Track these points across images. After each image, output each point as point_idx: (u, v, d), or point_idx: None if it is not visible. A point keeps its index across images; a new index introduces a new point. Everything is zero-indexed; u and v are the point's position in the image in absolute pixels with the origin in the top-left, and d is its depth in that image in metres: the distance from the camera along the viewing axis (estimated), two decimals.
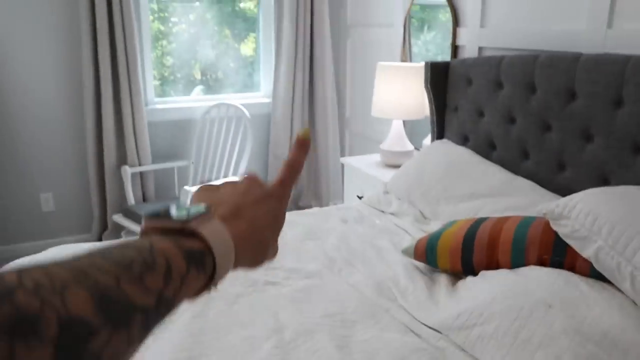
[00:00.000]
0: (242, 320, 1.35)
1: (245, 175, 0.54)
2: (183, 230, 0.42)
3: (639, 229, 1.24)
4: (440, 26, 2.62)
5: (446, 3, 2.49)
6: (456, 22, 2.47)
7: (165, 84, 3.34)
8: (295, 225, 2.00)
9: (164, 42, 3.30)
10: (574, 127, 1.79)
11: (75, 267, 0.32)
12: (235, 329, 1.31)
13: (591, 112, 1.72)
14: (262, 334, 1.29)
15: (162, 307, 0.36)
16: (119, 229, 3.07)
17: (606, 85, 1.66)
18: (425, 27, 2.78)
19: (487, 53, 2.32)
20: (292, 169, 0.54)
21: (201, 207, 0.44)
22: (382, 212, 2.12)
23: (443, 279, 1.53)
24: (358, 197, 2.64)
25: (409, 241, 1.81)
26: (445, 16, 2.54)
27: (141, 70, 3.07)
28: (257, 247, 0.49)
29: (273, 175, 3.46)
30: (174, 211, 0.43)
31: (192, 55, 3.37)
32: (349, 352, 1.23)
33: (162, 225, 0.42)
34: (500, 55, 2.09)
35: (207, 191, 0.52)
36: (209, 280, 0.43)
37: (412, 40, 2.83)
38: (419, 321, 1.36)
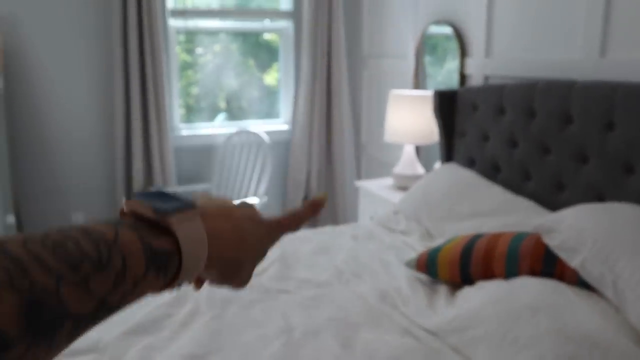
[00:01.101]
0: (256, 321, 1.48)
1: (244, 201, 0.54)
2: (159, 224, 0.40)
3: (619, 241, 1.35)
4: (452, 55, 2.77)
5: (454, 35, 2.65)
6: (463, 52, 2.62)
7: (190, 112, 3.55)
8: (309, 241, 2.13)
9: (190, 72, 3.52)
10: (570, 150, 1.90)
11: (18, 258, 0.30)
12: (249, 329, 1.44)
13: (586, 135, 1.83)
14: (273, 333, 1.42)
15: (101, 313, 0.34)
16: None
17: (599, 110, 1.78)
18: (437, 57, 2.93)
19: (492, 81, 2.45)
20: (295, 221, 0.54)
21: (189, 202, 0.43)
22: (392, 230, 2.24)
23: (443, 289, 1.64)
24: (370, 218, 2.77)
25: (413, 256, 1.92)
26: (454, 46, 2.69)
27: (168, 98, 3.29)
28: (234, 259, 0.47)
29: (291, 198, 3.61)
30: (158, 203, 0.41)
31: (216, 85, 3.58)
32: (352, 351, 1.34)
33: (142, 212, 0.41)
34: (502, 83, 2.22)
35: (204, 195, 0.51)
36: (172, 280, 0.41)
37: (427, 69, 2.98)
38: (417, 325, 1.47)
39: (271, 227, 0.52)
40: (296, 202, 3.60)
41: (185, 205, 0.42)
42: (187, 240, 0.41)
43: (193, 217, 0.42)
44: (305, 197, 3.65)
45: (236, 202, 0.53)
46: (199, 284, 0.51)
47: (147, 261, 0.37)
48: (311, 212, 0.55)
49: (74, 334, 0.32)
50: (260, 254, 0.51)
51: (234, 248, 0.47)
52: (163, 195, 0.43)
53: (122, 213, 0.42)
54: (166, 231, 0.41)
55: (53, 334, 0.30)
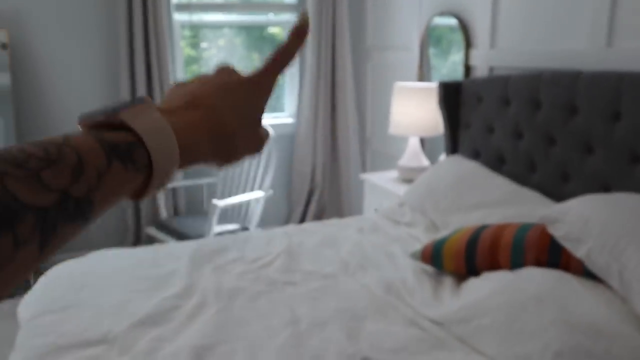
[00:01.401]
0: (262, 313, 1.50)
1: (218, 66, 0.49)
2: (111, 125, 0.39)
3: (625, 231, 1.35)
4: (457, 46, 2.76)
5: (458, 26, 2.64)
6: (468, 43, 2.61)
7: None
8: (315, 234, 2.14)
9: (195, 67, 3.52)
10: (576, 141, 1.90)
11: None
12: (256, 320, 1.45)
13: (591, 126, 1.83)
14: (280, 325, 1.43)
15: (69, 205, 0.33)
16: (152, 241, 3.26)
17: (605, 100, 1.77)
18: (442, 49, 2.93)
19: (497, 72, 2.45)
20: (283, 57, 0.49)
21: (139, 98, 0.41)
22: (397, 222, 2.25)
23: (448, 280, 1.65)
24: (375, 210, 2.77)
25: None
26: (459, 38, 2.68)
27: None
28: (222, 139, 0.45)
29: (296, 191, 3.62)
30: (109, 109, 0.39)
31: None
32: (357, 341, 1.35)
33: (91, 121, 0.39)
34: (507, 74, 2.21)
35: (176, 87, 0.48)
36: (149, 177, 0.40)
37: (432, 61, 2.97)
38: (423, 316, 1.48)
39: (255, 80, 0.48)
40: (302, 195, 3.61)
41: (135, 101, 0.40)
42: (146, 130, 0.38)
43: (146, 109, 0.40)
44: (311, 191, 3.66)
45: (211, 72, 0.49)
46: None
47: (107, 153, 0.36)
48: (296, 39, 0.49)
49: (48, 228, 0.32)
50: (253, 112, 0.48)
51: (212, 129, 0.44)
52: (112, 105, 0.40)
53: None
54: (123, 128, 0.39)
55: (12, 227, 0.30)
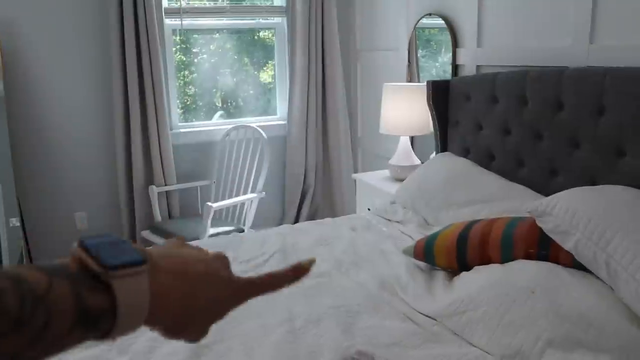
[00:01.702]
0: (258, 312, 1.52)
1: (219, 252, 0.51)
2: (100, 277, 0.39)
3: (611, 221, 1.38)
4: (445, 46, 2.80)
5: (446, 26, 2.68)
6: (455, 43, 2.65)
7: (187, 112, 3.57)
8: (308, 233, 2.17)
9: (186, 72, 3.54)
10: (562, 136, 1.93)
11: None
12: (251, 318, 1.48)
13: (577, 121, 1.87)
14: (275, 322, 1.45)
15: None
16: (147, 245, 3.26)
17: (589, 95, 1.81)
18: (430, 48, 2.96)
19: (484, 70, 2.48)
20: (273, 283, 0.51)
21: (138, 257, 0.41)
22: (389, 220, 2.27)
23: (441, 276, 1.67)
24: (369, 209, 2.80)
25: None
26: (447, 38, 2.72)
27: (166, 98, 3.31)
28: (180, 319, 0.45)
29: (290, 194, 3.65)
30: (107, 253, 0.39)
31: (212, 84, 3.60)
32: (352, 336, 1.38)
33: (87, 262, 0.39)
34: (494, 72, 2.25)
35: (176, 244, 0.49)
36: (102, 336, 0.40)
37: (420, 62, 3.01)
38: (416, 311, 1.50)
39: (239, 287, 0.49)
40: (295, 196, 3.64)
41: (133, 261, 0.40)
42: (126, 302, 0.38)
43: (139, 275, 0.40)
44: (304, 191, 3.68)
45: (210, 253, 0.50)
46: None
47: (77, 320, 0.36)
48: (293, 275, 0.51)
49: None
50: (218, 314, 0.48)
51: (180, 308, 0.44)
52: (115, 245, 0.41)
53: (71, 255, 0.40)
54: (107, 286, 0.38)
55: None
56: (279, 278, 0.51)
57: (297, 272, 0.51)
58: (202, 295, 0.46)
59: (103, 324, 0.38)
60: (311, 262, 0.52)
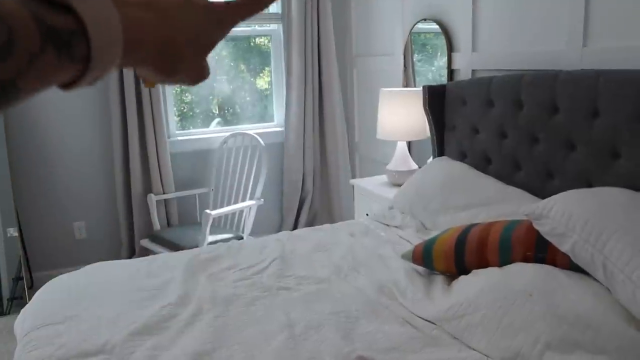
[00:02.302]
0: (258, 318, 1.52)
1: None
2: (56, 2, 0.35)
3: (607, 223, 1.39)
4: (441, 51, 2.82)
5: (441, 31, 2.70)
6: (451, 47, 2.66)
7: (184, 120, 3.58)
8: (307, 239, 2.17)
9: None
10: (558, 138, 1.95)
11: None
12: (252, 325, 1.48)
13: (572, 123, 1.88)
14: (276, 329, 1.46)
15: None
16: (146, 254, 3.26)
17: (583, 98, 1.82)
18: (426, 53, 2.98)
19: (480, 74, 2.50)
20: (257, 2, 0.48)
21: None
22: (387, 225, 2.28)
23: (439, 280, 1.68)
24: (367, 215, 2.81)
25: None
26: (442, 41, 2.73)
27: (163, 106, 3.32)
28: (167, 50, 0.43)
29: (288, 201, 3.65)
30: None
31: (209, 91, 3.61)
32: (352, 342, 1.38)
33: None
34: (490, 77, 2.27)
35: None
36: (84, 69, 0.36)
37: (416, 66, 3.02)
38: (415, 315, 1.51)
39: (221, 12, 0.47)
40: (293, 202, 3.64)
41: None
42: (91, 17, 0.35)
43: None
44: (302, 198, 3.69)
45: None
46: (148, 82, 0.47)
47: (42, 37, 0.32)
48: None
49: None
50: (205, 47, 0.46)
51: (159, 40, 0.42)
52: None
53: None
54: (68, 9, 0.35)
55: None
56: None
57: None
58: (180, 25, 0.43)
59: (76, 46, 0.35)
60: None
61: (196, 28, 0.45)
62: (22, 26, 0.31)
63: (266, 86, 3.77)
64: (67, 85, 0.38)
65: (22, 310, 1.70)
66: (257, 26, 3.64)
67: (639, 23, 1.76)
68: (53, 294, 1.74)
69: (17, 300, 2.88)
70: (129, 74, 3.07)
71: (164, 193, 3.28)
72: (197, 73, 0.47)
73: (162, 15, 0.42)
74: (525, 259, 1.55)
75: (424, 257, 1.72)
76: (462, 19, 2.56)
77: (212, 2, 0.46)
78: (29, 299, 2.92)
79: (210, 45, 0.46)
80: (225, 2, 0.47)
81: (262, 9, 0.49)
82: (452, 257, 1.67)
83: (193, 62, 0.45)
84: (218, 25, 0.46)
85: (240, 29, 3.58)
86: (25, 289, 2.95)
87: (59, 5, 0.34)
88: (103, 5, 0.36)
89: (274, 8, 3.60)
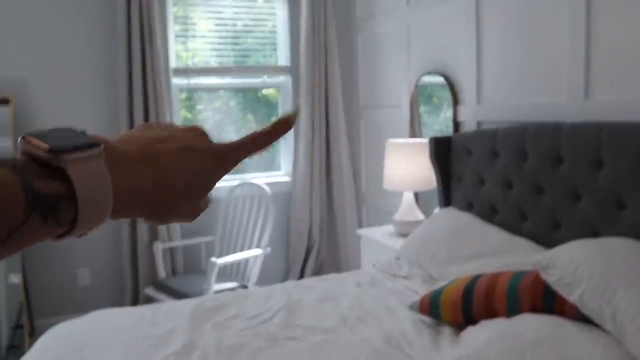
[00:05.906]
0: None
1: (193, 125, 0.48)
2: (50, 164, 0.36)
3: (615, 273, 1.39)
4: (447, 102, 2.87)
5: (446, 84, 2.76)
6: (456, 100, 2.72)
7: None
8: (313, 289, 2.16)
9: None
10: (563, 189, 1.96)
11: None
12: None
13: (576, 174, 1.90)
14: None
15: None
16: (150, 302, 3.24)
17: (586, 149, 1.85)
18: (432, 104, 3.04)
19: (484, 126, 2.54)
20: (259, 141, 0.48)
21: (91, 140, 0.38)
22: (394, 276, 2.27)
23: (447, 330, 1.66)
24: (374, 265, 2.79)
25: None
26: (448, 93, 2.80)
27: None
28: (163, 202, 0.43)
29: (294, 250, 3.64)
30: (56, 141, 0.36)
31: (217, 140, 3.67)
32: None
33: (34, 151, 0.36)
34: (494, 128, 2.30)
35: (143, 127, 0.46)
36: (71, 228, 0.37)
37: (423, 118, 3.08)
38: None
39: (222, 154, 0.47)
40: (300, 252, 3.63)
41: (84, 144, 0.37)
42: (82, 183, 0.36)
43: (93, 157, 0.37)
44: (308, 247, 3.68)
45: (181, 128, 0.47)
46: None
47: (29, 206, 0.33)
48: (280, 128, 0.48)
49: None
50: (205, 188, 0.46)
51: (155, 194, 0.42)
52: (64, 132, 0.37)
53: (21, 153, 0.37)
54: (60, 173, 0.36)
55: None
56: (264, 135, 0.48)
57: (282, 125, 0.48)
58: (179, 175, 0.43)
59: (64, 211, 0.35)
60: (296, 112, 0.48)
61: (197, 175, 0.45)
62: (9, 195, 0.32)
63: None
64: (52, 238, 0.38)
65: (24, 358, 1.68)
66: (266, 77, 3.74)
67: (639, 77, 1.81)
68: (55, 342, 1.73)
69: (15, 349, 2.84)
70: (138, 119, 3.14)
71: (170, 240, 3.29)
72: (194, 214, 0.46)
73: (160, 169, 0.42)
74: (533, 309, 1.54)
75: (431, 307, 1.71)
76: (467, 72, 2.62)
77: (213, 144, 0.47)
78: (29, 347, 2.88)
79: (210, 186, 0.46)
80: (225, 143, 0.47)
81: (262, 150, 0.48)
82: (460, 307, 1.65)
83: (190, 206, 0.45)
84: (219, 166, 0.47)
85: (249, 81, 3.67)
86: (26, 336, 2.91)
87: (54, 169, 0.35)
88: (96, 170, 0.37)
89: (282, 60, 3.72)
